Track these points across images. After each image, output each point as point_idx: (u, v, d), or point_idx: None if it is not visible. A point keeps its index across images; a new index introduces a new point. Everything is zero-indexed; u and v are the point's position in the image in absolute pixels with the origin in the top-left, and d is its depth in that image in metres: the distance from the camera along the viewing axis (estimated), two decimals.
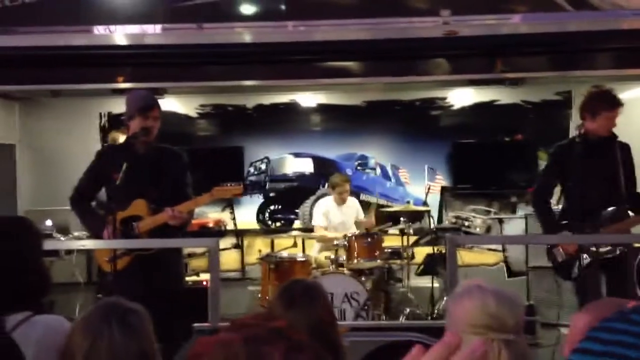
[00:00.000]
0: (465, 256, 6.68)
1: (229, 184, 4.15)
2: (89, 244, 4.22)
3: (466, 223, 7.45)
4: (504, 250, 7.36)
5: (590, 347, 0.80)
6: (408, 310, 6.03)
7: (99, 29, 6.43)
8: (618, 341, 0.78)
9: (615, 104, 4.38)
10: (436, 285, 6.50)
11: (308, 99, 7.52)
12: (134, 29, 6.40)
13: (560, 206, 4.82)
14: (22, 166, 7.37)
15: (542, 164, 6.16)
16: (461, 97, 7.44)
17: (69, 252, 6.29)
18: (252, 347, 0.88)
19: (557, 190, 4.85)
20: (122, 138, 6.17)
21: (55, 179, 6.73)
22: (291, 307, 2.29)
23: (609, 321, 0.82)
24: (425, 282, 6.61)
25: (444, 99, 7.47)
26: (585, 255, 4.32)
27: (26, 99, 7.34)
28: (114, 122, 7.26)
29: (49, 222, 6.35)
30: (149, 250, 3.95)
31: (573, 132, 5.92)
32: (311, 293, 2.37)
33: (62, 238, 6.17)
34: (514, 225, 7.28)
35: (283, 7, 6.21)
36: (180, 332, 4.03)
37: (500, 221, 7.43)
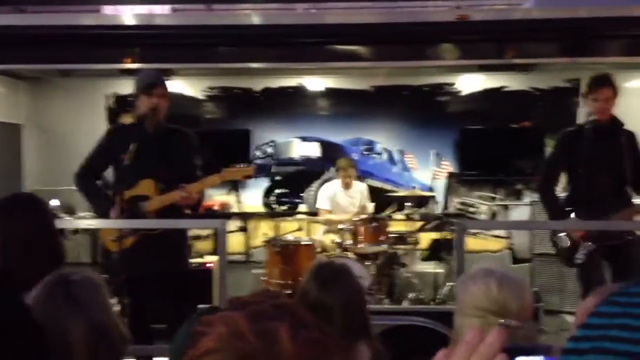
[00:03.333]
0: (469, 242, 6.66)
1: (239, 165, 4.11)
2: (96, 223, 4.22)
3: (471, 209, 7.45)
4: (508, 237, 7.36)
5: (606, 310, 0.80)
6: (412, 295, 6.05)
7: (108, 9, 6.42)
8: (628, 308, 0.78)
9: (599, 84, 4.36)
10: (440, 270, 6.51)
11: (316, 82, 7.50)
12: (143, 9, 6.39)
13: (566, 193, 4.80)
14: (28, 146, 7.38)
15: (549, 150, 6.13)
16: (470, 82, 7.40)
17: (75, 232, 6.32)
18: (258, 323, 0.87)
19: (563, 177, 4.84)
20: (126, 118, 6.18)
21: (61, 159, 6.73)
22: (326, 289, 2.31)
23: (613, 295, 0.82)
24: (429, 267, 6.62)
25: (452, 84, 7.43)
26: (589, 243, 4.32)
27: (34, 79, 7.33)
28: (122, 103, 7.26)
29: (55, 202, 6.37)
30: (155, 230, 3.95)
31: (581, 119, 5.91)
32: (344, 275, 2.40)
33: (68, 218, 6.19)
34: (520, 212, 7.27)
35: None
36: (185, 314, 4.05)
37: (506, 208, 7.42)
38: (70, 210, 6.48)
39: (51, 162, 7.18)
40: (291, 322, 0.87)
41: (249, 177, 4.27)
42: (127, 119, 5.91)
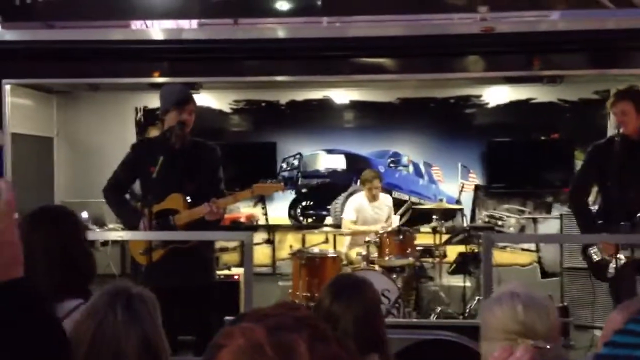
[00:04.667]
0: (498, 256, 6.61)
1: (269, 181, 4.14)
2: (125, 235, 4.27)
3: (500, 222, 7.38)
4: (537, 251, 7.27)
5: (634, 328, 0.78)
6: (439, 308, 6.00)
7: (136, 24, 6.51)
8: None
9: (616, 98, 4.38)
10: (468, 284, 6.45)
11: (341, 95, 7.51)
12: (171, 24, 6.46)
13: (596, 206, 4.74)
14: (59, 158, 7.49)
15: (579, 163, 6.05)
16: (497, 94, 7.35)
17: (104, 243, 6.38)
18: (277, 336, 0.87)
19: (594, 190, 4.78)
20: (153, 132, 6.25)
21: (91, 172, 6.82)
22: (339, 300, 2.31)
23: None
24: (457, 281, 6.56)
25: (479, 96, 7.39)
26: (621, 256, 4.25)
27: (65, 93, 7.45)
28: (150, 116, 7.34)
29: (84, 214, 6.45)
30: (186, 243, 3.98)
31: (610, 132, 5.84)
32: (360, 287, 2.40)
33: (97, 230, 6.25)
34: (549, 225, 7.18)
35: (318, 2, 6.20)
36: (212, 326, 4.06)
37: (535, 221, 7.33)
38: (99, 222, 6.55)
39: (81, 175, 7.27)
40: (310, 335, 0.87)
41: (280, 191, 4.29)
42: (154, 132, 5.98)
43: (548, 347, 1.93)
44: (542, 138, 7.35)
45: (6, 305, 1.18)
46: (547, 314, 2.00)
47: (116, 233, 4.64)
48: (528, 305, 1.98)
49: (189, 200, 4.07)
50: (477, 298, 5.95)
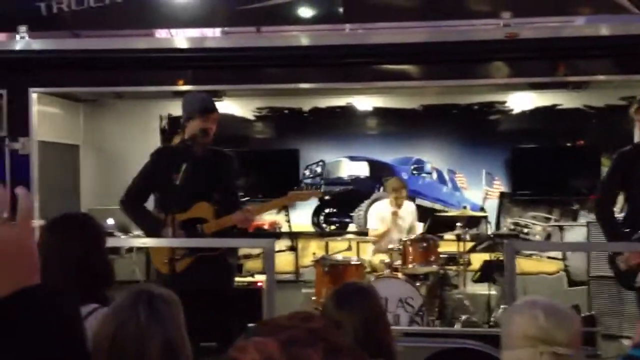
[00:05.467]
0: (523, 264, 6.54)
1: (306, 188, 4.13)
2: (151, 242, 4.27)
3: (525, 230, 7.30)
4: (564, 259, 7.17)
5: None
6: (463, 317, 5.94)
7: (161, 33, 6.57)
8: None
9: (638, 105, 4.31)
10: (493, 292, 6.38)
11: (364, 102, 7.50)
12: (195, 32, 6.51)
13: (623, 214, 4.67)
14: (85, 166, 7.57)
15: (605, 170, 5.97)
16: (521, 101, 7.29)
17: (129, 250, 6.43)
18: (290, 350, 0.86)
19: (620, 197, 4.71)
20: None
21: (116, 179, 6.85)
22: (342, 307, 2.32)
23: None
24: (481, 289, 6.50)
25: (503, 103, 7.33)
26: None
27: (90, 101, 7.55)
28: (174, 124, 7.40)
29: (110, 221, 6.51)
30: (215, 251, 3.97)
31: (637, 138, 5.75)
32: (362, 294, 2.40)
33: (122, 236, 6.31)
34: (576, 233, 7.08)
35: (341, 9, 6.21)
36: (235, 333, 4.07)
37: (561, 229, 7.24)
38: (125, 229, 6.61)
39: (107, 182, 7.34)
40: (324, 348, 0.85)
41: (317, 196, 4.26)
42: (178, 140, 6.02)
43: (569, 354, 1.92)
44: (568, 145, 7.27)
45: (22, 312, 1.19)
46: (568, 322, 2.00)
47: (140, 240, 4.65)
48: (548, 312, 1.98)
49: (218, 209, 4.06)
50: (501, 306, 5.88)
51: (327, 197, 7.57)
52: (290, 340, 0.87)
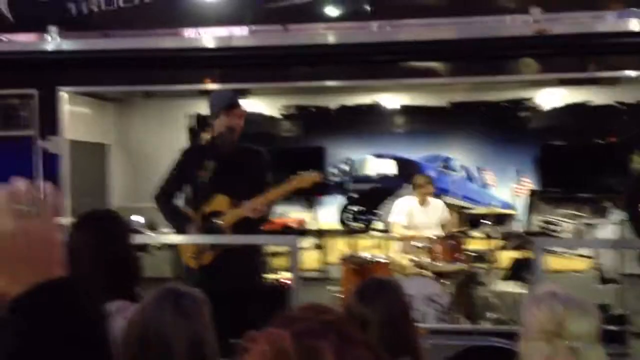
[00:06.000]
0: (553, 262, 6.44)
1: (307, 173, 4.12)
2: (176, 238, 4.32)
3: (556, 228, 7.20)
4: (595, 257, 7.06)
5: None
6: (492, 315, 5.88)
7: (188, 32, 6.62)
8: None
9: None
10: (522, 291, 6.30)
11: (391, 99, 7.47)
12: (222, 31, 6.55)
13: None
14: (114, 165, 7.66)
15: (637, 167, 5.87)
16: (551, 97, 7.20)
17: (158, 247, 6.49)
18: (302, 342, 0.85)
19: None
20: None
21: (144, 178, 6.94)
22: (365, 302, 2.30)
23: None
24: (510, 287, 6.42)
25: (533, 99, 7.24)
26: None
27: (119, 100, 7.64)
28: (202, 122, 7.44)
29: (138, 219, 6.58)
30: (233, 245, 4.01)
31: None
32: (387, 289, 2.38)
33: (151, 234, 6.36)
34: (607, 231, 6.97)
35: (368, 7, 6.19)
36: (260, 330, 4.07)
37: (592, 226, 7.13)
38: (153, 227, 6.66)
39: (136, 180, 7.43)
40: (337, 340, 0.84)
41: (318, 181, 4.21)
42: (206, 138, 6.04)
43: (587, 349, 1.90)
44: (598, 141, 7.16)
45: (47, 304, 1.20)
46: (587, 316, 1.97)
47: (166, 237, 4.70)
48: (567, 306, 1.96)
49: (235, 201, 4.08)
50: None
51: (354, 195, 7.56)
52: (302, 331, 0.86)
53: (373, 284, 2.44)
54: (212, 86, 6.44)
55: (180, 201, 4.61)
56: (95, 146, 7.33)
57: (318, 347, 0.83)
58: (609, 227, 6.92)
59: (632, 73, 6.21)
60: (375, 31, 6.21)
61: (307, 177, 4.11)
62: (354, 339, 0.87)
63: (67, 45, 6.12)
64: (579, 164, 7.02)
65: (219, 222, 4.08)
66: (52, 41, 6.09)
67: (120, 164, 7.70)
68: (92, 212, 2.53)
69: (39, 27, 6.20)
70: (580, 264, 7.07)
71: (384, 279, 2.62)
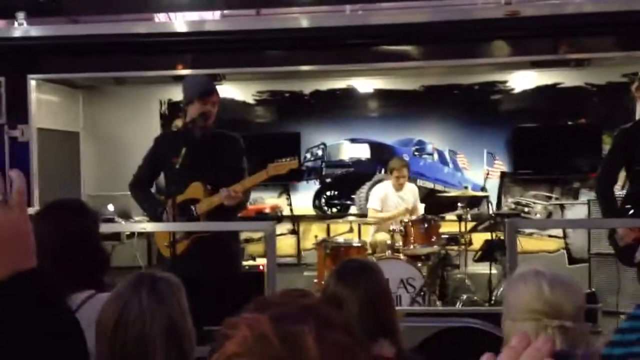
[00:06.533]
0: (524, 243, 6.54)
1: (283, 160, 4.13)
2: (149, 226, 4.30)
3: (526, 209, 7.30)
4: (564, 237, 7.18)
5: None
6: (465, 296, 5.97)
7: (160, 17, 6.53)
8: None
9: None
10: (494, 271, 6.40)
11: (365, 84, 7.48)
12: (194, 15, 6.48)
13: (625, 191, 4.66)
14: (85, 153, 7.57)
15: (607, 148, 5.95)
16: (522, 80, 7.26)
17: (130, 236, 6.44)
18: (283, 326, 0.84)
19: (622, 175, 4.70)
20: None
21: (117, 166, 6.89)
22: (345, 284, 2.29)
23: None
24: (483, 268, 6.51)
25: (505, 82, 7.30)
26: None
27: (90, 87, 7.53)
28: (174, 109, 7.38)
29: (111, 207, 6.53)
30: (207, 232, 4.00)
31: (638, 115, 5.73)
32: (366, 271, 2.37)
33: (123, 222, 6.32)
34: (576, 212, 7.09)
35: None
36: (238, 316, 4.08)
37: (562, 207, 7.24)
38: (125, 215, 6.62)
39: (107, 168, 7.35)
40: (317, 324, 0.84)
41: (295, 168, 4.23)
42: (179, 125, 6.00)
43: (574, 326, 1.87)
44: (569, 123, 7.25)
45: (20, 295, 1.20)
46: (573, 294, 1.93)
47: (139, 225, 4.68)
48: (554, 284, 1.91)
49: (210, 188, 4.08)
50: (503, 286, 5.90)
51: (328, 180, 7.57)
52: (282, 316, 0.86)
53: (354, 265, 2.43)
54: (185, 72, 6.38)
55: (155, 189, 4.60)
56: (65, 134, 7.23)
57: (298, 331, 0.83)
58: (579, 208, 7.03)
59: (602, 54, 6.29)
60: (348, 15, 6.20)
61: (284, 164, 4.11)
62: (334, 323, 0.87)
63: (36, 31, 6.00)
64: (550, 145, 7.11)
65: (195, 209, 4.07)
66: (20, 27, 5.97)
67: (92, 152, 7.61)
68: (57, 201, 2.50)
69: (7, 14, 6.07)
70: (551, 244, 7.19)
71: (364, 260, 2.61)
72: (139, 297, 1.82)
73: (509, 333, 1.97)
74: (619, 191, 4.75)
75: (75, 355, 1.27)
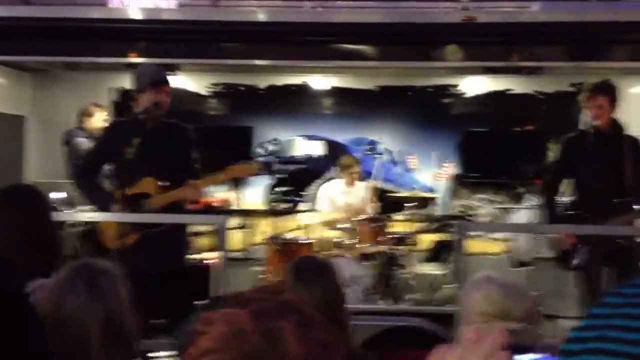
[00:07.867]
0: (470, 245, 6.63)
1: (244, 163, 4.07)
2: (96, 216, 4.20)
3: (472, 212, 7.42)
4: (509, 240, 7.33)
5: (611, 301, 0.80)
6: (410, 296, 6.03)
7: (114, 3, 6.41)
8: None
9: (593, 92, 4.44)
10: (439, 272, 6.49)
11: (320, 81, 7.48)
12: (149, 3, 6.38)
13: (569, 198, 4.79)
14: (31, 138, 7.37)
15: (552, 155, 6.11)
16: (474, 85, 7.38)
17: (72, 225, 6.29)
18: (263, 322, 0.84)
19: (567, 181, 4.83)
20: (97, 114, 6.17)
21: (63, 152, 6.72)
22: (299, 281, 2.29)
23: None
24: (428, 269, 6.60)
25: (457, 86, 7.41)
26: (586, 247, 4.33)
27: (39, 71, 7.32)
28: (126, 97, 7.24)
29: (56, 195, 6.35)
30: (159, 227, 3.92)
31: (583, 125, 5.89)
32: (320, 269, 2.38)
33: (68, 211, 6.17)
34: (521, 216, 7.23)
35: None
36: (183, 310, 4.03)
37: (507, 211, 7.39)
38: (71, 203, 6.46)
39: (54, 155, 7.15)
40: (297, 321, 0.83)
41: (254, 174, 4.20)
42: (92, 110, 5.92)
43: (522, 328, 1.97)
44: (517, 129, 7.40)
45: None
46: (523, 298, 2.05)
47: (87, 214, 4.57)
48: (504, 289, 2.03)
49: (164, 185, 4.00)
50: (446, 286, 5.99)
51: (279, 176, 7.55)
52: (261, 311, 0.84)
53: (311, 265, 2.42)
54: (137, 60, 6.28)
55: (102, 178, 4.49)
56: (10, 118, 7.02)
57: (278, 327, 0.82)
58: (524, 212, 7.18)
59: (553, 64, 6.45)
60: (307, 11, 6.20)
61: (245, 168, 4.06)
62: (313, 320, 0.87)
63: None
64: (498, 150, 7.24)
65: (146, 204, 3.99)
66: None
67: (38, 137, 7.41)
68: (11, 187, 2.44)
69: None
70: (495, 247, 7.32)
71: (320, 259, 2.60)
72: (76, 289, 1.79)
73: (463, 336, 2.05)
74: (562, 198, 4.88)
75: (36, 343, 1.24)
